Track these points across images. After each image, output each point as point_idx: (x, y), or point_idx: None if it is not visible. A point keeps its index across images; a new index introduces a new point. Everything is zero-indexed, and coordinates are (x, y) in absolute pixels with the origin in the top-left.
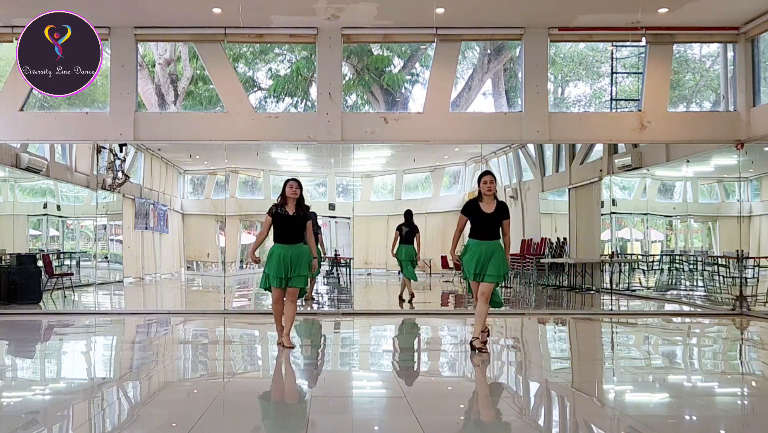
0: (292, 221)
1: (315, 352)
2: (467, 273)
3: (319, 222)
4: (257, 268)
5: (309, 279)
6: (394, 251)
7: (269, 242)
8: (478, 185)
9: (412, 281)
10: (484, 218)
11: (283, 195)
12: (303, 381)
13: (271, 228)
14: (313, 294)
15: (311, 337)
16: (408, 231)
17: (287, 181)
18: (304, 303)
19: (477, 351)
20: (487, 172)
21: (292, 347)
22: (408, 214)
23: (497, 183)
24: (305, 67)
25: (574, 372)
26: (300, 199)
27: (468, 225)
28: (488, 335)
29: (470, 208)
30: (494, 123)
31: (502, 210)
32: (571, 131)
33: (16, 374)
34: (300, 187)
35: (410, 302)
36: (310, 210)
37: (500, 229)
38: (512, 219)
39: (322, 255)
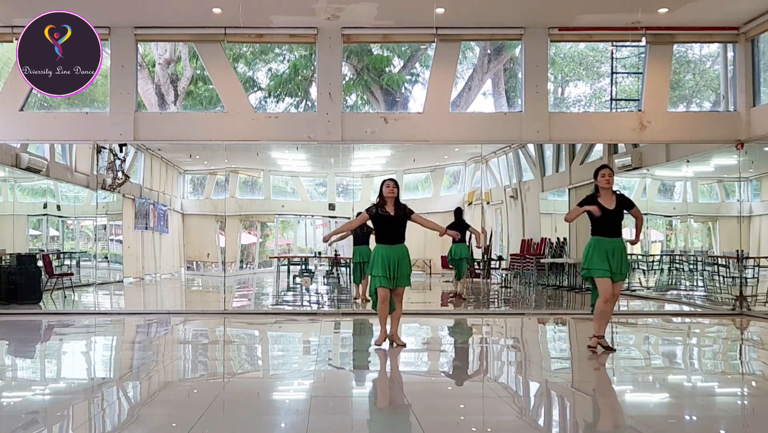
0: (394, 222)
1: (320, 352)
2: (597, 272)
3: (319, 222)
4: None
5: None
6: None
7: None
8: (595, 179)
9: (458, 280)
10: (607, 215)
11: (381, 195)
12: (303, 381)
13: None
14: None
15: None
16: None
17: (384, 181)
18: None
19: (605, 349)
20: (606, 166)
21: (404, 345)
22: (457, 212)
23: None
24: (303, 66)
25: (574, 372)
26: (397, 199)
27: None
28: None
29: (591, 203)
30: (494, 123)
31: (623, 203)
32: (571, 131)
33: (16, 374)
34: (397, 186)
35: (457, 299)
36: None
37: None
38: (512, 219)
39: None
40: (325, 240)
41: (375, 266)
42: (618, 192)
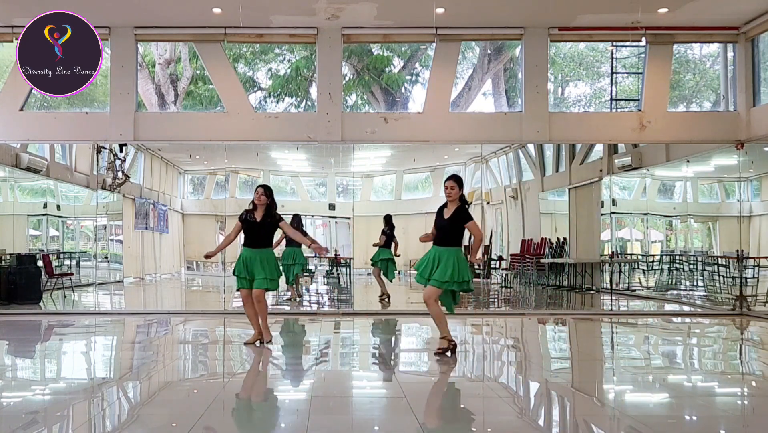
0: (257, 227)
1: (315, 352)
2: (419, 278)
3: (319, 222)
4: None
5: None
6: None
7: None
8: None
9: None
10: (438, 225)
11: (252, 201)
12: (303, 381)
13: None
14: (300, 293)
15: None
16: (388, 238)
17: (256, 188)
18: (290, 302)
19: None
20: (451, 177)
21: (270, 340)
22: (387, 219)
23: (462, 188)
24: (305, 66)
25: (574, 372)
26: (269, 206)
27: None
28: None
29: (440, 213)
30: (494, 123)
31: (460, 216)
32: (571, 131)
33: (16, 374)
34: (267, 194)
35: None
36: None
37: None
38: (512, 219)
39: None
40: (208, 256)
41: (236, 267)
42: (464, 205)
